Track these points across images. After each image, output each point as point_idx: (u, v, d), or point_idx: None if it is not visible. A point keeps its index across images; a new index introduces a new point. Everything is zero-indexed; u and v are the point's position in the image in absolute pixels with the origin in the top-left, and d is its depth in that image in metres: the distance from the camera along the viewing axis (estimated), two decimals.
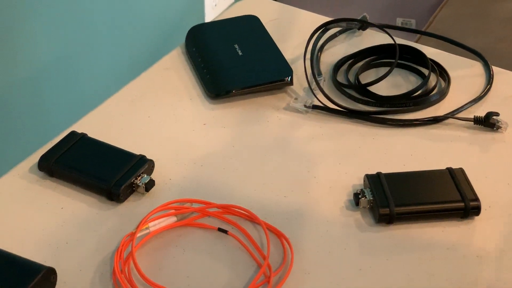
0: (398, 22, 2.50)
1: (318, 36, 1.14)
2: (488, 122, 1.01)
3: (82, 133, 0.96)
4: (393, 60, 1.08)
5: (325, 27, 1.15)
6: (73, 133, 0.96)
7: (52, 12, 1.59)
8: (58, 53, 1.64)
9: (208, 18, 2.22)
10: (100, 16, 1.76)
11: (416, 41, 1.81)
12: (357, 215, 0.89)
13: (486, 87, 1.08)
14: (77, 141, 0.95)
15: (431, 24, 2.05)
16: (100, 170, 0.91)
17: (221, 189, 0.93)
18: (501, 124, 1.00)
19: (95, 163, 0.93)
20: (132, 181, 0.90)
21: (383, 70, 1.09)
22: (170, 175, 0.94)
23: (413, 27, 2.46)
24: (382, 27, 1.14)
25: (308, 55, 1.10)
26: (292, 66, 1.09)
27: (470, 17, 2.06)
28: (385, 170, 0.92)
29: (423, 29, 2.09)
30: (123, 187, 0.89)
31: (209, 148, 0.99)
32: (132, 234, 0.84)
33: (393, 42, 1.11)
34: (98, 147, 0.95)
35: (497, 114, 1.01)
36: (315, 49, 1.13)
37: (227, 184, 0.93)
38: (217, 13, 2.19)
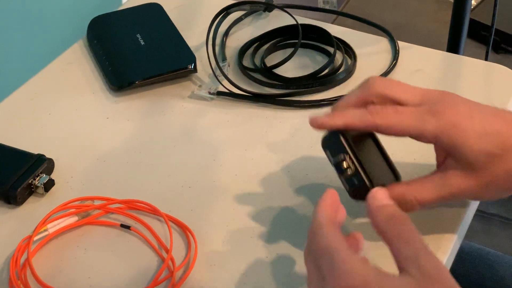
0: (320, 2, 2.50)
1: (221, 20, 1.12)
2: None
3: None
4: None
5: (226, 11, 1.12)
6: None
7: None
8: None
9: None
10: None
11: (333, 22, 1.80)
12: (264, 202, 0.87)
13: (392, 62, 1.07)
14: None
15: (349, 0, 2.05)
16: None
17: (125, 184, 0.90)
18: None
19: None
20: (29, 182, 0.87)
21: (289, 52, 1.07)
22: (72, 173, 0.91)
23: (334, 5, 2.45)
24: (283, 8, 1.12)
25: (212, 41, 1.08)
26: (197, 53, 1.07)
27: None
28: (292, 153, 0.91)
29: (342, 6, 2.09)
30: (19, 189, 0.85)
31: (113, 143, 0.96)
32: (29, 238, 0.81)
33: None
34: None
35: None
36: (219, 34, 1.10)
37: (131, 178, 0.91)
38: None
